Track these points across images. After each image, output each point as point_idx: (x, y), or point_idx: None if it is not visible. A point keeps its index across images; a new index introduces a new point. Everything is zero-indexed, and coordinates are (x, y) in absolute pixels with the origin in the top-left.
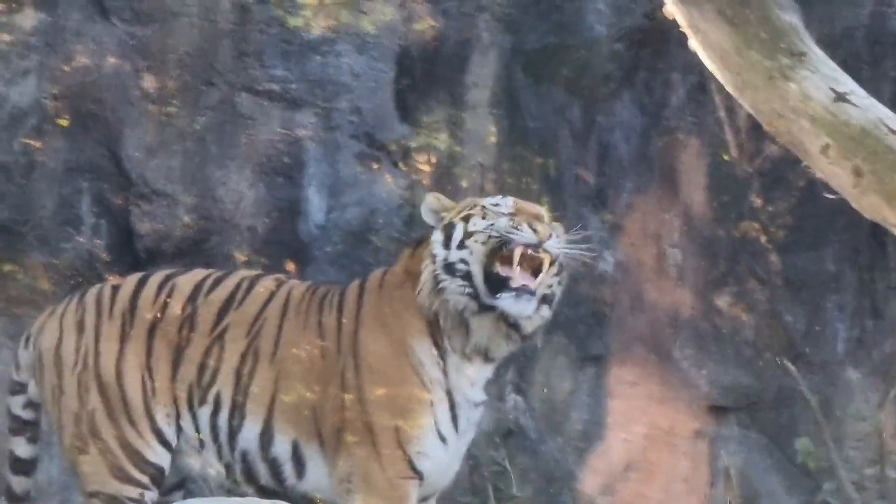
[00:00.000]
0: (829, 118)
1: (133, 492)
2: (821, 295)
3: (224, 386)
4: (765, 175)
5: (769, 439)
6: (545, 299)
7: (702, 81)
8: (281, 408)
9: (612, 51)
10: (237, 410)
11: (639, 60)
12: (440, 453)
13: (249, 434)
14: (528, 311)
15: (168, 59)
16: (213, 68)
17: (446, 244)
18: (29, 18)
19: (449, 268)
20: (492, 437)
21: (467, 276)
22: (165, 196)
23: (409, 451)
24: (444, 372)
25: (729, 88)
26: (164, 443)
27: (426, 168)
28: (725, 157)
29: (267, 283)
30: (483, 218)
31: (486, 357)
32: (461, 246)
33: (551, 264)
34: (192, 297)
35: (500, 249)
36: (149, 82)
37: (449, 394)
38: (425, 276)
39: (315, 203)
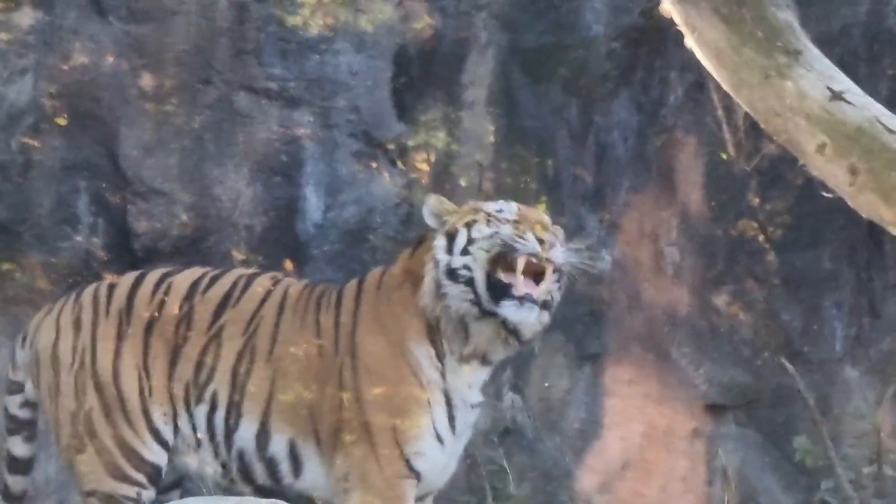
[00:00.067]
0: (826, 116)
1: (130, 491)
2: (818, 293)
3: (221, 385)
4: (762, 174)
5: (767, 438)
6: (545, 305)
7: (699, 80)
8: (278, 407)
9: (609, 50)
10: (234, 409)
11: (636, 59)
12: (437, 454)
13: (246, 433)
14: (530, 320)
15: (165, 58)
16: (210, 67)
17: (449, 249)
18: (26, 17)
19: (452, 273)
20: (489, 435)
21: (470, 283)
22: (163, 195)
23: (407, 451)
24: (442, 373)
25: (725, 87)
26: (161, 442)
27: (424, 167)
28: (723, 156)
29: (264, 282)
30: (487, 224)
31: (484, 360)
32: (464, 252)
33: (553, 271)
34: (189, 296)
35: (503, 257)
36: (146, 81)
37: (446, 395)
38: (427, 281)
39: (312, 202)
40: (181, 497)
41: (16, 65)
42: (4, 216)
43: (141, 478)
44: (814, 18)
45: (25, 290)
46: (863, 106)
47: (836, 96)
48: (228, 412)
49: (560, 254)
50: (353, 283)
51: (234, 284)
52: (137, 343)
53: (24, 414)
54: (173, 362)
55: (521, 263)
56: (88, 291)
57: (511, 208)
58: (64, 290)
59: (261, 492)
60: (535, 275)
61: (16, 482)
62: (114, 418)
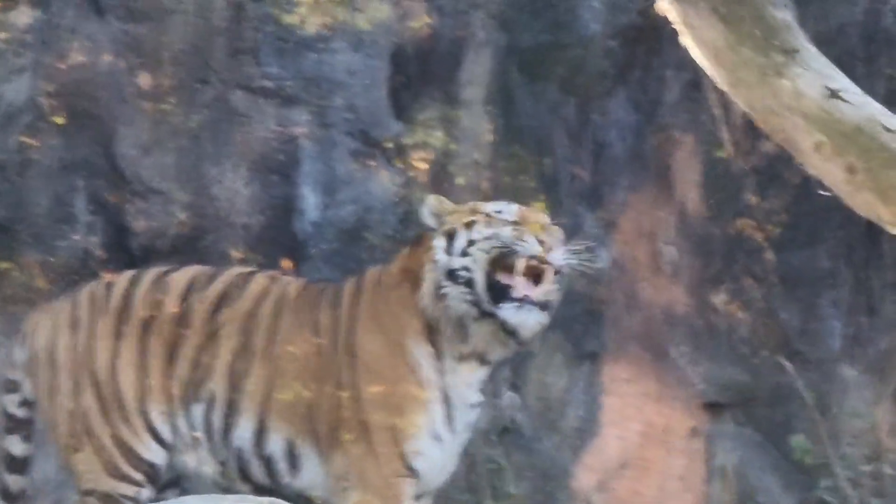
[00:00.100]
0: (823, 115)
1: (128, 489)
2: (816, 292)
3: (218, 383)
4: (760, 172)
5: (765, 436)
6: (544, 306)
7: (696, 79)
8: (276, 405)
9: (606, 48)
10: (232, 408)
11: (634, 58)
12: (435, 452)
13: (244, 432)
14: (529, 322)
15: (163, 57)
16: (207, 66)
17: (448, 250)
18: (24, 16)
19: (451, 274)
20: (488, 434)
21: (469, 284)
22: (160, 193)
23: (405, 450)
24: (440, 373)
25: (722, 86)
26: (159, 440)
27: (421, 166)
28: (720, 155)
29: (261, 280)
30: (487, 225)
31: (482, 360)
32: (464, 253)
33: (553, 273)
34: (186, 295)
35: (502, 258)
36: (143, 80)
37: (445, 394)
38: (427, 282)
39: (310, 200)
40: (179, 495)
41: (13, 64)
42: (2, 215)
43: (139, 477)
44: (811, 17)
45: (23, 289)
46: (860, 105)
47: (834, 95)
48: (226, 411)
49: (560, 256)
50: (352, 281)
51: (232, 283)
52: (135, 342)
53: (21, 413)
54: (171, 361)
55: (521, 265)
56: (86, 290)
57: (511, 209)
58: (61, 288)
59: (259, 490)
60: (535, 276)
61: (14, 481)
62: (112, 417)
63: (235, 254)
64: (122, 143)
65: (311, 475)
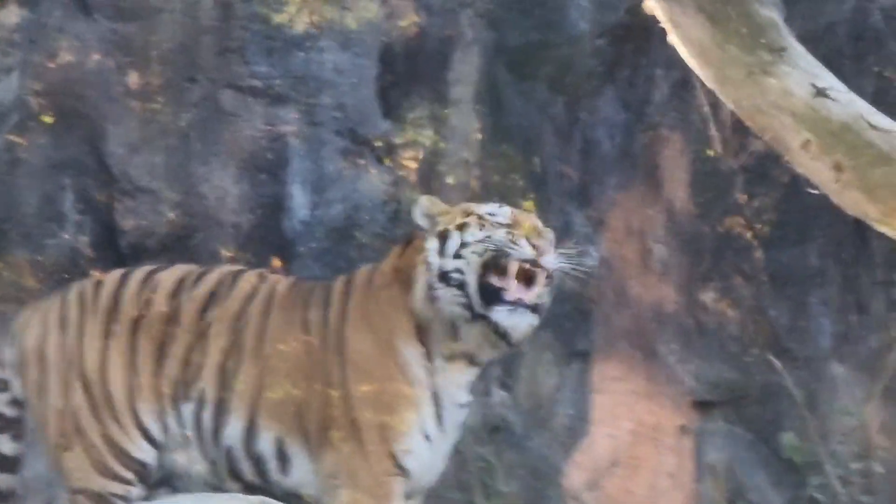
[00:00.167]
0: (810, 113)
1: (118, 488)
2: (805, 290)
3: (208, 382)
4: (749, 171)
5: (755, 434)
6: (535, 308)
7: (685, 77)
8: (265, 404)
9: (594, 47)
10: (221, 407)
11: (622, 57)
12: (425, 452)
13: (233, 431)
14: (521, 325)
15: (151, 56)
16: (195, 65)
17: (441, 252)
18: (12, 15)
19: (444, 277)
20: (478, 432)
21: (462, 286)
22: (149, 192)
23: (395, 449)
24: (430, 372)
25: (709, 84)
26: (150, 439)
27: (410, 164)
28: (709, 153)
29: (250, 279)
30: (479, 228)
31: (472, 361)
32: (457, 256)
33: (545, 276)
34: (176, 294)
35: (495, 261)
36: (132, 79)
37: (434, 394)
38: (420, 284)
39: (299, 199)
40: (170, 494)
41: (1, 63)
42: None
43: (129, 475)
44: (799, 16)
45: (12, 289)
46: (847, 103)
47: (821, 93)
48: (216, 410)
49: (552, 259)
50: (342, 280)
51: (221, 282)
52: (124, 341)
53: (11, 412)
54: (160, 360)
55: (513, 268)
56: (75, 289)
57: (504, 212)
58: (51, 288)
59: (249, 489)
60: (527, 279)
61: (3, 480)
62: (101, 416)
63: (225, 252)
64: (111, 141)
65: (300, 474)
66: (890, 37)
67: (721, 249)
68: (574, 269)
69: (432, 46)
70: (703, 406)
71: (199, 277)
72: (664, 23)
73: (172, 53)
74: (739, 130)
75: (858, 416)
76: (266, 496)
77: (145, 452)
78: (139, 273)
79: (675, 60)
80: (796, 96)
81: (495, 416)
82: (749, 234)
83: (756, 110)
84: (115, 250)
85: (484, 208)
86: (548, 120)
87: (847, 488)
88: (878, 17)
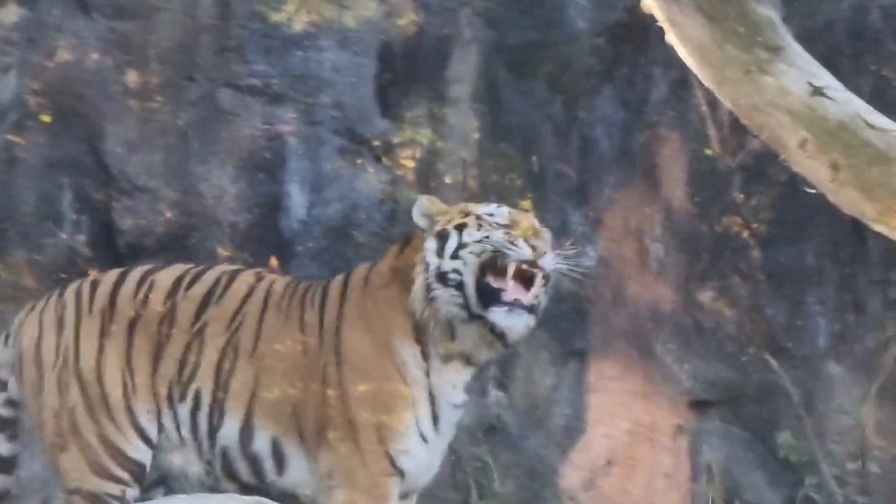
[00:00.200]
0: (807, 112)
1: (114, 488)
2: (802, 289)
3: (204, 382)
4: (746, 170)
5: (751, 434)
6: (532, 309)
7: (683, 76)
8: (261, 404)
9: (593, 46)
10: (217, 407)
11: (620, 55)
12: (421, 452)
13: (230, 431)
14: (518, 326)
15: (149, 55)
16: (194, 64)
17: (439, 252)
18: (10, 14)
19: (441, 277)
20: (474, 432)
21: (459, 287)
22: (147, 191)
23: (391, 449)
24: (426, 373)
25: (707, 83)
26: (145, 439)
27: (408, 163)
28: (707, 152)
29: (247, 278)
30: (478, 228)
31: (468, 361)
32: (455, 256)
33: (542, 277)
34: (172, 293)
35: (493, 262)
36: (130, 78)
37: (430, 394)
38: (418, 284)
39: (297, 198)
40: (165, 495)
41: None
42: None
43: (125, 476)
44: (796, 14)
45: (9, 288)
46: (844, 102)
47: (818, 92)
48: (212, 410)
49: (550, 260)
50: (339, 279)
51: (218, 281)
52: (121, 341)
53: (7, 412)
54: (157, 360)
55: (511, 269)
56: (71, 289)
57: (503, 212)
58: (48, 287)
59: (245, 489)
60: (525, 280)
61: None
62: (97, 416)
63: (222, 252)
64: (109, 140)
65: (297, 474)
66: (888, 36)
67: (718, 248)
68: (571, 269)
69: (431, 45)
70: (699, 405)
71: (196, 277)
72: (662, 22)
73: (171, 52)
74: (737, 129)
75: (855, 415)
76: (262, 496)
77: (141, 452)
78: (136, 273)
79: (673, 59)
80: (793, 95)
81: (491, 415)
82: (746, 233)
83: (753, 109)
84: (113, 249)
85: (482, 208)
86: (546, 119)
87: (843, 488)
88: (876, 15)
